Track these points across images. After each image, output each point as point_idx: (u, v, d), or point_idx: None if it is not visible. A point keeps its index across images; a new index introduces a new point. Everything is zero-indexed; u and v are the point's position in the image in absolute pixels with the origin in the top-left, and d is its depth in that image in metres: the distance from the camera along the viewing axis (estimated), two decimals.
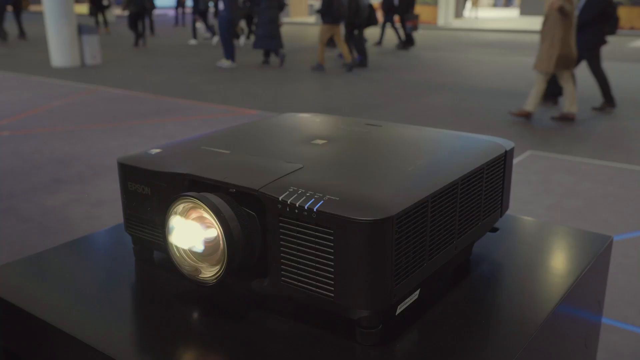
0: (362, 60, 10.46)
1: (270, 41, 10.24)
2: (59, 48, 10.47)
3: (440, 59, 11.77)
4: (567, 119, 6.12)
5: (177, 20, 20.38)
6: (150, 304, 0.83)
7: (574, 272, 0.93)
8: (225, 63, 10.50)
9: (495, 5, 40.16)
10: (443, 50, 13.31)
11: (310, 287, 0.72)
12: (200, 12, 14.19)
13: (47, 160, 4.86)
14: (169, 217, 0.78)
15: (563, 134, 5.74)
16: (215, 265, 0.76)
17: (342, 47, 9.96)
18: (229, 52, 10.44)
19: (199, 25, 15.62)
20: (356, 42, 10.40)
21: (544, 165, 4.70)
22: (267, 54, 10.89)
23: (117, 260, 0.97)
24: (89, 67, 10.58)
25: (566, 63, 5.84)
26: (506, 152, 0.95)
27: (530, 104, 6.07)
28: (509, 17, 26.41)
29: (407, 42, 13.69)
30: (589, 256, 0.99)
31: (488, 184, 0.91)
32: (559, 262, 0.99)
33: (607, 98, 6.62)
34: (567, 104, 6.11)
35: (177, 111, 6.82)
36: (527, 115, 6.15)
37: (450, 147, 0.92)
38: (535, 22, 20.16)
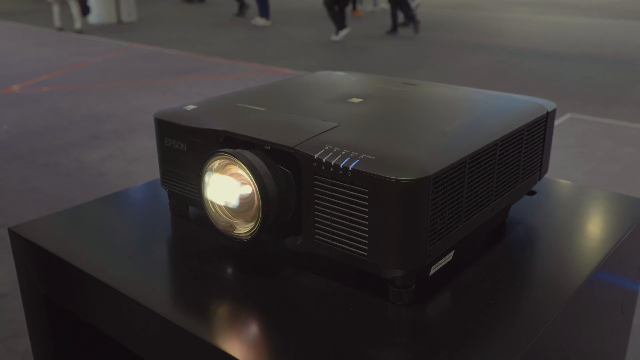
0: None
1: None
2: (95, 4, 10.52)
3: (479, 19, 11.45)
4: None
5: None
6: (185, 259, 0.85)
7: (612, 237, 0.91)
8: (259, 21, 10.42)
9: None
10: (482, 9, 12.94)
11: (344, 246, 0.72)
12: None
13: (84, 116, 4.93)
14: (204, 173, 0.78)
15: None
16: (250, 221, 0.76)
17: None
18: (264, 10, 10.34)
19: None
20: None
21: (583, 128, 4.58)
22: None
23: (153, 214, 0.99)
24: (125, 24, 10.61)
25: None
26: (548, 113, 0.92)
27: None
28: None
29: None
30: (629, 221, 0.96)
31: (528, 146, 0.89)
32: (598, 226, 0.97)
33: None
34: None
35: (211, 69, 6.83)
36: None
37: (489, 107, 0.90)
38: None
